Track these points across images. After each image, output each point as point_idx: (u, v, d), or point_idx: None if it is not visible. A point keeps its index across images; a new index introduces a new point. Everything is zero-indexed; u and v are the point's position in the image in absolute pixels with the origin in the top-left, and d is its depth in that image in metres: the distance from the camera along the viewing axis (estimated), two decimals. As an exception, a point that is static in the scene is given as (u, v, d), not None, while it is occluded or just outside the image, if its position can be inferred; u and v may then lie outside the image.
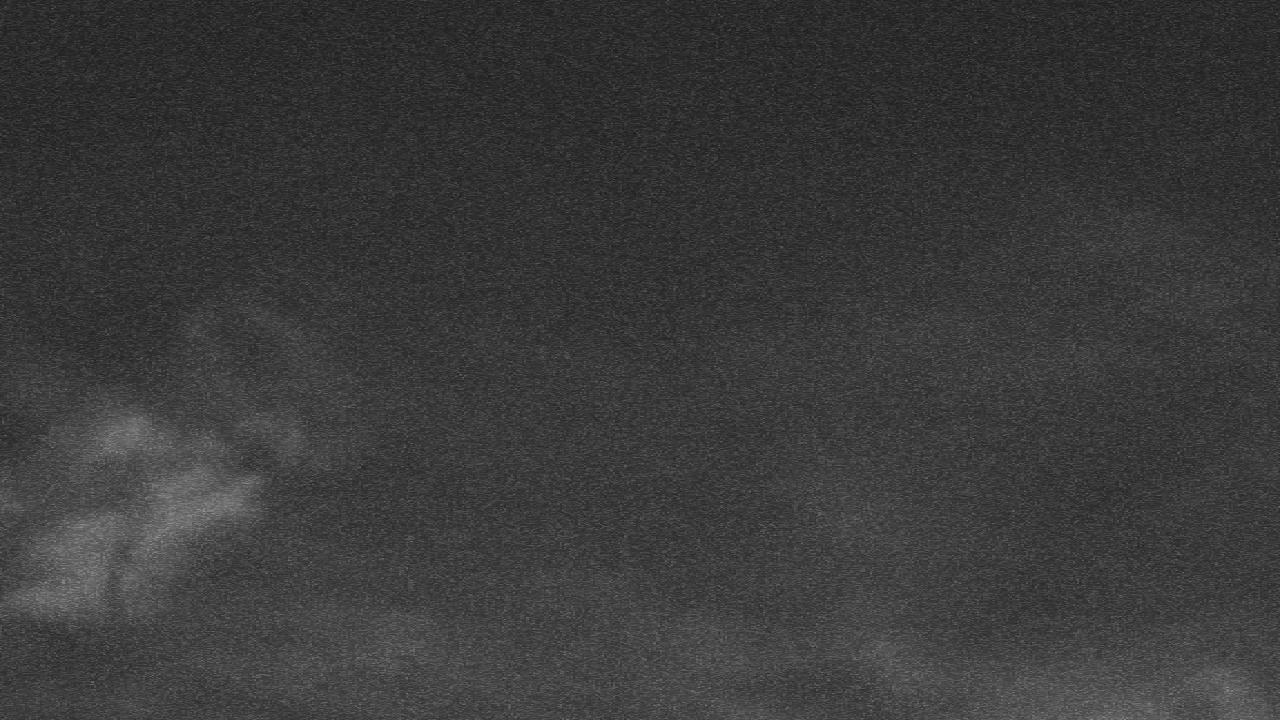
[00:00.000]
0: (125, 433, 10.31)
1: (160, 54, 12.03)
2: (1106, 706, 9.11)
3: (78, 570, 9.75)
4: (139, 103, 11.95)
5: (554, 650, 11.00)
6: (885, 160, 12.21)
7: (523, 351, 11.76)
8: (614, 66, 12.24)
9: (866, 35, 12.64)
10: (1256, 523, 9.72)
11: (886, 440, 11.72)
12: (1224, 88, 10.58)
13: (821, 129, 12.56)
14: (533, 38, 12.30)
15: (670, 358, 11.75)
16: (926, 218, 11.75)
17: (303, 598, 11.01)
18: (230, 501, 10.55)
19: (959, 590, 10.93)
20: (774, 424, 12.31)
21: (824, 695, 10.05)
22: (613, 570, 11.09)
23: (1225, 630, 9.02)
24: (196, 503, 10.38)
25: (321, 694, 10.54)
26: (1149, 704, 8.97)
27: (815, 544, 12.05)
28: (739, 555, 12.20)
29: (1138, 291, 10.43)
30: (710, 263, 13.12)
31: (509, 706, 10.42)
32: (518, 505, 11.33)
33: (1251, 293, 10.24)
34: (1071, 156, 11.21)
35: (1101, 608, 9.81)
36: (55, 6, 11.95)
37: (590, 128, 12.20)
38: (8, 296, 10.22)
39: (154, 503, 10.25)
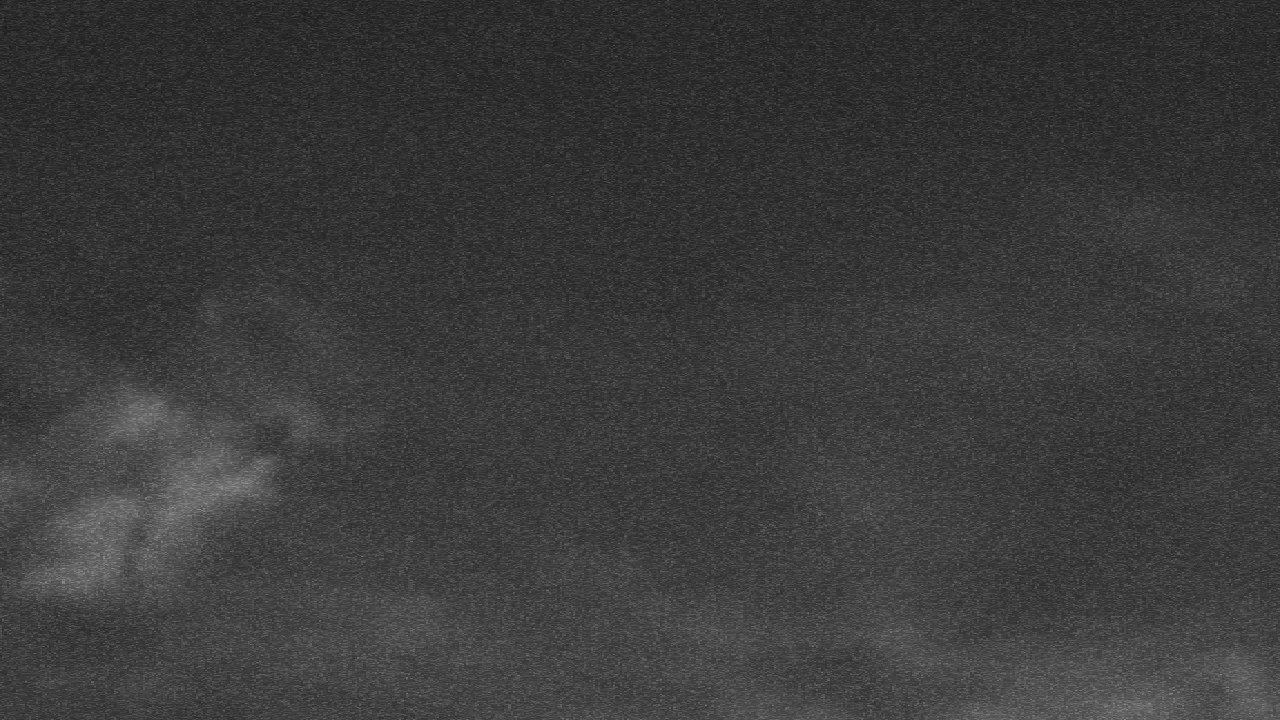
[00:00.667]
0: (141, 415, 10.32)
1: (162, 54, 12.04)
2: (1107, 705, 9.10)
3: (94, 551, 9.76)
4: (144, 102, 11.95)
5: (564, 633, 10.98)
6: (885, 160, 12.22)
7: (523, 351, 11.76)
8: (614, 66, 12.24)
9: (866, 35, 12.66)
10: (1257, 522, 9.72)
11: (887, 439, 11.71)
12: (1224, 87, 10.59)
13: (821, 129, 12.58)
14: (533, 38, 12.30)
15: (671, 357, 11.74)
16: (927, 217, 11.76)
17: (316, 579, 11.00)
18: (245, 483, 10.56)
19: (960, 589, 10.92)
20: (774, 423, 12.31)
21: (824, 695, 10.04)
22: (615, 566, 11.09)
23: (1230, 622, 9.02)
24: (211, 484, 10.39)
25: (335, 675, 10.54)
26: (1148, 702, 8.96)
27: (816, 542, 12.03)
28: (740, 554, 12.20)
29: (1138, 290, 10.43)
30: (710, 262, 13.13)
31: (521, 688, 10.40)
32: (527, 492, 11.32)
33: (1252, 291, 10.24)
34: (1072, 156, 11.21)
35: (1102, 606, 9.80)
36: (55, 6, 11.95)
37: (590, 128, 12.20)
38: (25, 283, 10.24)
39: (169, 484, 10.25)
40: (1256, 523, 9.61)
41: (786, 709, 9.54)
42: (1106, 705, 8.78)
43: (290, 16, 12.47)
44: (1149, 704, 8.88)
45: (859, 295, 11.93)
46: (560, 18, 12.34)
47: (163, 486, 10.20)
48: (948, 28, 11.39)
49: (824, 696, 9.87)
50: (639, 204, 12.09)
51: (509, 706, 9.45)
